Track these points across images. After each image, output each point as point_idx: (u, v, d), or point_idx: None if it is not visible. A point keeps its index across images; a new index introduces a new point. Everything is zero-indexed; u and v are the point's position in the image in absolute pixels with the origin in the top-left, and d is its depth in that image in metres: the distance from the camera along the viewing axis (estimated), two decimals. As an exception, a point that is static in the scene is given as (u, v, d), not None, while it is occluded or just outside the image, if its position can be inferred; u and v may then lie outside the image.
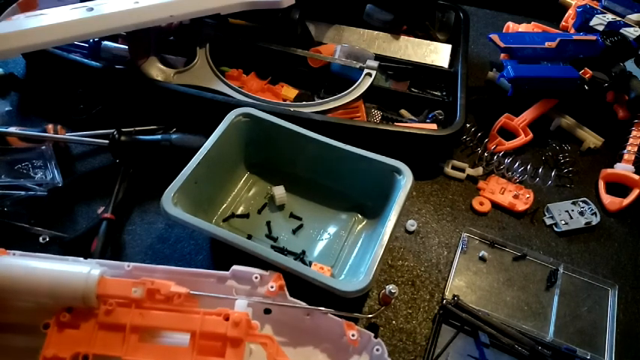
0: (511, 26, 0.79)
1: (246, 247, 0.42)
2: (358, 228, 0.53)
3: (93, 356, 0.35)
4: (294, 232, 0.52)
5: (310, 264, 0.48)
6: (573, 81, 0.65)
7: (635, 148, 0.64)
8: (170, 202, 0.43)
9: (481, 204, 0.59)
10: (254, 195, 0.55)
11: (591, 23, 0.72)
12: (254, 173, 0.57)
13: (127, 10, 0.54)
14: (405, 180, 0.47)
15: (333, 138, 0.50)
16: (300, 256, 0.50)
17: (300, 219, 0.53)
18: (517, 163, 0.62)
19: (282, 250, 0.50)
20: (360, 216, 0.54)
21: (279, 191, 0.53)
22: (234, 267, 0.41)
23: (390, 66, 0.69)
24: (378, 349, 0.40)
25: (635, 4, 0.75)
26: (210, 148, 0.48)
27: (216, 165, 0.50)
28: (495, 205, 0.59)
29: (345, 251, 0.51)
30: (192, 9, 0.57)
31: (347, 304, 0.41)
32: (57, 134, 0.58)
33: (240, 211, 0.53)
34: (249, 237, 0.51)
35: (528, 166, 0.61)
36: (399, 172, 0.48)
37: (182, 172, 0.46)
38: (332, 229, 0.52)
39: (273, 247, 0.50)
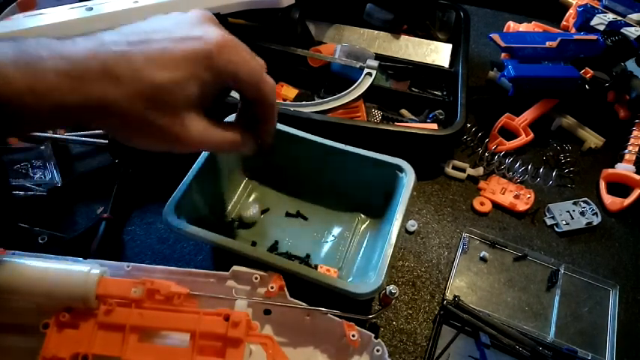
0: (512, 26, 0.79)
1: (254, 255, 0.42)
2: (362, 228, 0.53)
3: (92, 356, 0.35)
4: (298, 235, 0.52)
5: (316, 267, 0.48)
6: (574, 81, 0.64)
7: (637, 148, 0.64)
8: (173, 214, 0.43)
9: (482, 204, 0.59)
10: (254, 200, 0.55)
11: (592, 23, 0.72)
12: (253, 178, 0.56)
13: (126, 10, 0.54)
14: (408, 177, 0.47)
15: (334, 138, 0.50)
16: (305, 260, 0.49)
17: (305, 218, 0.53)
18: (518, 163, 0.61)
19: (287, 255, 0.50)
20: (363, 216, 0.53)
21: (248, 210, 0.52)
22: (234, 267, 0.41)
23: (390, 65, 0.69)
24: (378, 350, 0.39)
25: (636, 4, 0.74)
26: (208, 156, 0.48)
27: (215, 173, 0.50)
28: (496, 206, 0.59)
29: (351, 252, 0.51)
30: (191, 9, 0.57)
31: (347, 305, 0.41)
32: (56, 134, 0.57)
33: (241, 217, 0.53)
34: (254, 243, 0.51)
35: (529, 166, 0.61)
36: (400, 169, 0.48)
37: (182, 183, 0.46)
38: (336, 231, 0.52)
39: (275, 252, 0.50)
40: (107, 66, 0.30)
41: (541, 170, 0.61)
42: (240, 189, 0.55)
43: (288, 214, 0.53)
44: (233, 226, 0.52)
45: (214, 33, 0.34)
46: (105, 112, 0.31)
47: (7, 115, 0.28)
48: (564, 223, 0.57)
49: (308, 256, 0.50)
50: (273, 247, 0.50)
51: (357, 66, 0.64)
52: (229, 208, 0.53)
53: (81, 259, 0.41)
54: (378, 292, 0.40)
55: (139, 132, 0.33)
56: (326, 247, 0.51)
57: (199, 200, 0.48)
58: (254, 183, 0.56)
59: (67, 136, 0.58)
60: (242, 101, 0.39)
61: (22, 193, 0.53)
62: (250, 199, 0.55)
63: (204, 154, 0.48)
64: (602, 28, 0.71)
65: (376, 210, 0.52)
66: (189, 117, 0.34)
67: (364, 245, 0.51)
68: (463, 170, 0.62)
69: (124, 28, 0.33)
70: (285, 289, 0.40)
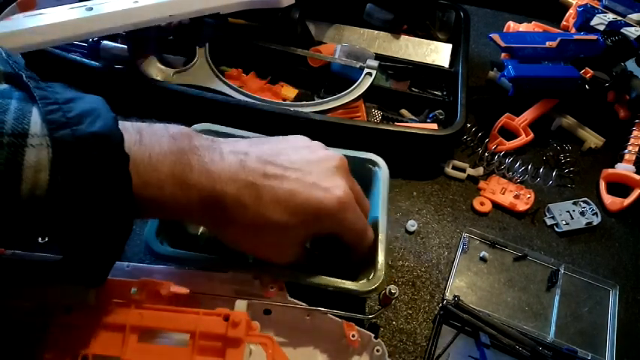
0: (512, 26, 0.79)
1: (249, 269, 0.41)
2: None
3: (92, 356, 0.35)
4: None
5: None
6: (574, 81, 0.64)
7: (636, 148, 0.64)
8: (157, 241, 0.42)
9: (482, 204, 0.59)
10: None
11: (592, 23, 0.72)
12: None
13: (126, 10, 0.54)
14: (382, 170, 0.47)
15: (333, 138, 0.50)
16: None
17: None
18: (518, 163, 0.61)
19: None
20: None
21: None
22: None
23: (390, 65, 0.69)
24: (378, 350, 0.39)
25: (636, 4, 0.75)
26: None
27: None
28: (496, 206, 0.59)
29: None
30: (191, 8, 0.57)
31: (347, 305, 0.41)
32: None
33: None
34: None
35: (529, 166, 0.61)
36: (373, 164, 0.48)
37: None
38: None
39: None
40: (240, 193, 0.34)
41: (541, 170, 0.61)
42: None
43: None
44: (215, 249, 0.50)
45: (341, 189, 0.37)
46: (221, 227, 0.36)
47: (145, 208, 0.31)
48: (564, 223, 0.57)
49: None
50: None
51: (357, 66, 0.64)
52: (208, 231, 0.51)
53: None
54: (379, 287, 0.40)
55: (243, 245, 0.38)
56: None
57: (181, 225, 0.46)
58: None
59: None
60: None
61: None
62: None
63: None
64: (602, 28, 0.71)
65: None
66: (291, 252, 0.39)
67: None
68: (463, 170, 0.62)
69: (265, 150, 0.37)
70: (285, 289, 0.40)
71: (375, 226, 0.44)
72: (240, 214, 0.35)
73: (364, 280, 0.41)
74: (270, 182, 0.35)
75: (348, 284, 0.40)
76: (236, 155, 0.35)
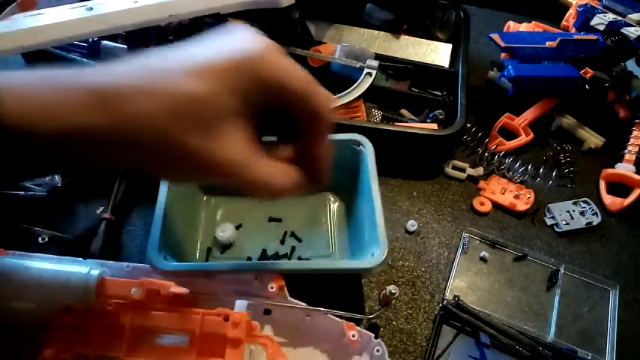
0: (512, 26, 0.79)
1: (259, 268, 0.42)
2: (335, 206, 0.53)
3: (92, 356, 0.35)
4: (279, 235, 0.51)
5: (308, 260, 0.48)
6: (574, 81, 0.64)
7: (636, 148, 0.64)
8: (160, 258, 0.42)
9: (482, 204, 0.59)
10: (223, 216, 0.53)
11: (592, 23, 0.72)
12: (209, 193, 0.54)
13: (126, 10, 0.54)
14: (367, 148, 0.49)
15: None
16: (292, 253, 0.50)
17: (279, 220, 0.52)
18: (518, 163, 0.61)
19: (276, 256, 0.50)
20: (331, 195, 0.54)
21: (224, 232, 0.50)
22: (234, 267, 0.41)
23: (390, 65, 0.69)
24: (378, 350, 0.39)
25: (636, 4, 0.74)
26: (168, 190, 0.46)
27: (179, 203, 0.48)
28: (496, 206, 0.59)
29: (335, 233, 0.51)
30: (191, 8, 0.57)
31: (347, 305, 0.41)
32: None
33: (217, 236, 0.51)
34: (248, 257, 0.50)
35: (529, 166, 0.61)
36: (358, 143, 0.49)
37: (154, 225, 0.44)
38: (311, 217, 0.52)
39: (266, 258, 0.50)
40: (136, 78, 0.27)
41: (541, 170, 0.61)
42: (204, 210, 0.53)
43: (271, 219, 0.52)
44: (213, 254, 0.50)
45: (255, 38, 0.30)
46: (135, 136, 0.27)
47: (10, 144, 0.24)
48: (564, 223, 0.57)
49: (293, 248, 0.50)
50: (264, 255, 0.50)
51: (357, 66, 0.64)
52: (201, 231, 0.52)
53: (81, 259, 0.41)
54: (384, 265, 0.41)
55: (168, 155, 0.28)
56: (308, 236, 0.51)
57: (174, 234, 0.46)
58: (217, 198, 0.54)
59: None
60: (289, 129, 0.33)
61: (22, 193, 0.53)
62: (219, 217, 0.53)
63: (162, 189, 0.46)
64: (602, 28, 0.71)
65: (343, 186, 0.52)
66: (228, 136, 0.28)
67: (345, 222, 0.51)
68: (463, 170, 0.62)
69: (169, 52, 0.30)
70: (285, 290, 0.40)
71: (369, 200, 0.45)
72: (145, 100, 0.27)
73: (369, 257, 0.41)
74: (177, 62, 0.28)
75: (354, 263, 0.41)
76: (130, 61, 0.29)
